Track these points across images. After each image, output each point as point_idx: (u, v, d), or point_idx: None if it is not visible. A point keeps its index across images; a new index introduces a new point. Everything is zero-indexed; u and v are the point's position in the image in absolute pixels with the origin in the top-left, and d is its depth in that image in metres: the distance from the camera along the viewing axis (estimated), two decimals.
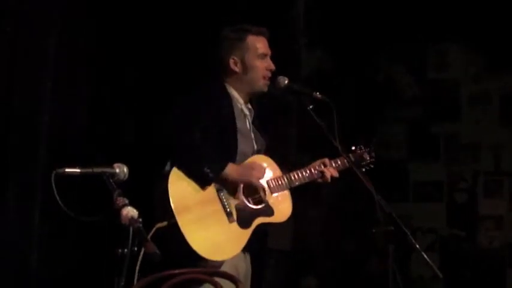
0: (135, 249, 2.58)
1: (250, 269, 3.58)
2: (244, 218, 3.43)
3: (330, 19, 6.23)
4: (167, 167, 3.36)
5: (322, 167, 3.68)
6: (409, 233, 3.36)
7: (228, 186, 3.43)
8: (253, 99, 3.68)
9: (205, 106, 3.45)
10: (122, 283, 2.56)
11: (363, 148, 3.89)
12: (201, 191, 3.36)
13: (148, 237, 2.93)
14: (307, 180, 3.64)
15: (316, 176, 3.66)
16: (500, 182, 6.22)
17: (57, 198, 2.63)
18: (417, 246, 3.40)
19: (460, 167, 6.35)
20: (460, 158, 6.35)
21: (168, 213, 3.23)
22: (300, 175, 3.63)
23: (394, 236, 3.34)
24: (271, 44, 3.64)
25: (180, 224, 3.23)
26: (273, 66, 3.61)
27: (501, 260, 6.15)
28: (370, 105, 6.45)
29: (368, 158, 3.88)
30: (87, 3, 4.41)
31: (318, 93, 3.60)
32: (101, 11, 4.43)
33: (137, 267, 2.88)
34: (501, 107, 6.26)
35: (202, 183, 3.36)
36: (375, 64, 6.56)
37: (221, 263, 3.34)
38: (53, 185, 2.64)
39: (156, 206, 3.33)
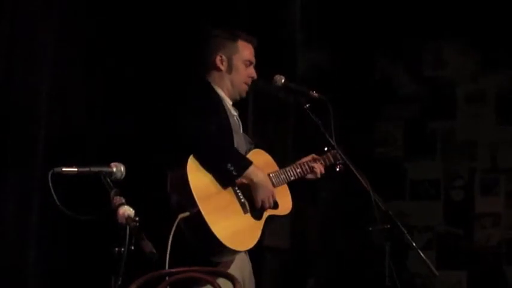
0: (132, 248, 2.58)
1: (251, 267, 3.58)
2: (255, 210, 3.44)
3: (326, 17, 6.24)
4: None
5: (312, 162, 3.70)
6: (405, 231, 3.37)
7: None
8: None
9: (209, 103, 3.46)
10: (119, 282, 2.56)
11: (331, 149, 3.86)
12: (217, 182, 3.34)
13: (173, 228, 3.01)
14: (299, 175, 3.66)
15: (306, 172, 3.68)
16: (497, 179, 6.24)
17: (55, 197, 2.63)
18: (414, 244, 3.41)
19: (457, 164, 6.37)
20: (457, 155, 6.36)
21: (189, 201, 3.21)
22: (294, 170, 3.64)
23: (391, 234, 3.35)
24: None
25: (203, 212, 3.20)
26: (255, 75, 3.62)
27: (498, 257, 6.17)
28: (366, 104, 6.46)
29: (339, 158, 3.85)
30: (86, 1, 4.41)
31: (314, 91, 3.60)
32: (100, 9, 4.43)
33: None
34: (497, 104, 6.28)
35: (224, 179, 3.34)
36: (371, 62, 6.57)
37: (233, 258, 3.34)
38: (50, 184, 2.64)
39: (173, 195, 3.32)
